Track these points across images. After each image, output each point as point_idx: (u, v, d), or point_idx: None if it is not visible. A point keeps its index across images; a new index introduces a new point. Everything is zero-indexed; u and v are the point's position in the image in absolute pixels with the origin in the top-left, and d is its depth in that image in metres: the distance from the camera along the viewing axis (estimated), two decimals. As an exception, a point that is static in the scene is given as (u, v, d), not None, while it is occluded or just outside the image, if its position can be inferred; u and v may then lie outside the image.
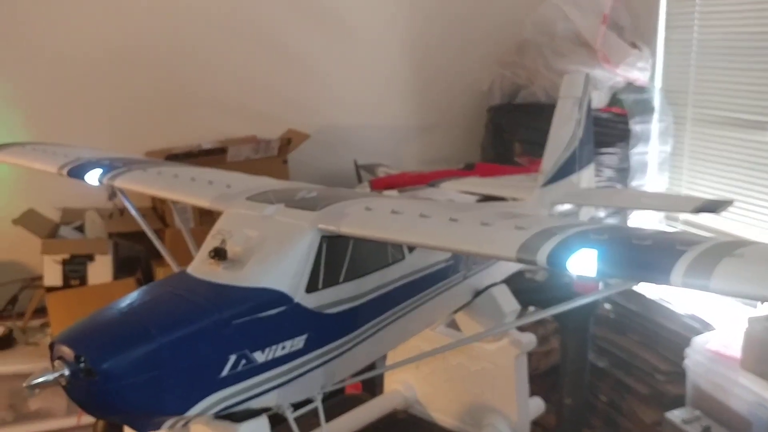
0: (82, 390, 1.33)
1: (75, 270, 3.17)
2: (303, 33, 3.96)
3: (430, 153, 4.33)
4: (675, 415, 2.84)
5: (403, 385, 2.43)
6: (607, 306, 3.54)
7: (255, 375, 1.49)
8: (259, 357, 1.48)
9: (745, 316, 2.71)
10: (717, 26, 3.68)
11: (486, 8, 4.25)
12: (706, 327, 3.13)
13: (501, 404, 2.20)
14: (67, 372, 1.31)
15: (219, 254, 1.51)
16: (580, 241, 1.28)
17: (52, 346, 1.35)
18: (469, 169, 3.41)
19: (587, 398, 3.33)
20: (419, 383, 2.41)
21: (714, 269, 1.13)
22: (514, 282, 2.30)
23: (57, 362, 1.32)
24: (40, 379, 1.31)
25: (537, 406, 2.32)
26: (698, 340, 2.93)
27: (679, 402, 2.97)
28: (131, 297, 1.46)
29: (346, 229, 1.55)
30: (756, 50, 3.43)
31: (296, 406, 1.64)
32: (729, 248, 1.18)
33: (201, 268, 1.56)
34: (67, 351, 1.32)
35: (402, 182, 3.31)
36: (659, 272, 1.17)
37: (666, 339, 3.24)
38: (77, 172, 2.08)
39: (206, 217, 3.15)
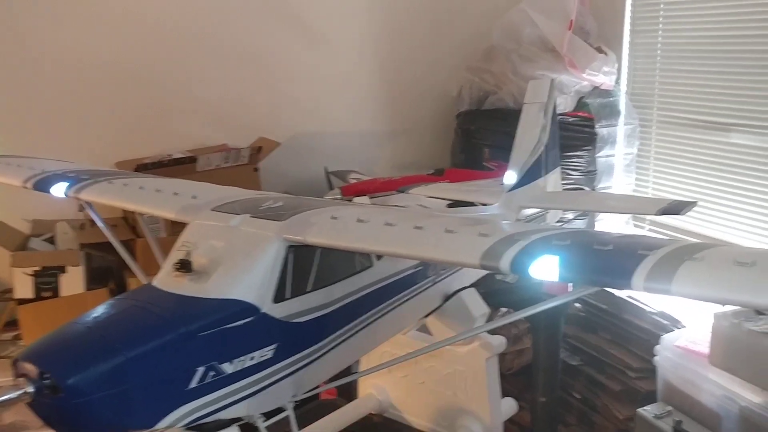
0: (48, 407, 1.33)
1: (47, 282, 3.14)
2: (273, 41, 3.97)
3: (400, 159, 4.35)
4: (647, 411, 2.88)
5: (377, 390, 2.45)
6: (578, 305, 3.58)
7: (224, 386, 1.50)
8: (228, 368, 1.49)
9: (712, 313, 2.76)
10: (681, 30, 3.75)
11: (454, 15, 4.28)
12: (675, 324, 3.19)
13: (474, 406, 2.23)
14: (31, 389, 1.30)
15: (184, 266, 1.52)
16: (543, 247, 1.31)
17: (15, 363, 1.34)
18: (438, 175, 3.44)
19: (561, 396, 3.37)
20: (393, 387, 2.43)
21: (675, 273, 1.15)
22: (485, 284, 2.34)
23: (20, 380, 1.31)
24: (3, 398, 1.29)
25: (509, 406, 2.35)
26: (668, 338, 2.98)
27: (650, 398, 3.02)
28: (96, 311, 1.46)
29: (311, 238, 1.57)
30: (719, 53, 3.50)
31: (268, 415, 1.65)
32: (690, 251, 1.20)
33: (166, 280, 1.56)
34: (30, 368, 1.31)
35: (372, 188, 3.32)
36: (620, 277, 1.21)
37: (636, 336, 3.29)
38: (43, 185, 2.08)
39: (177, 227, 3.09)
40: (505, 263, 1.31)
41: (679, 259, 1.18)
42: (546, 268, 1.28)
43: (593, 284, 1.33)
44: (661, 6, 3.81)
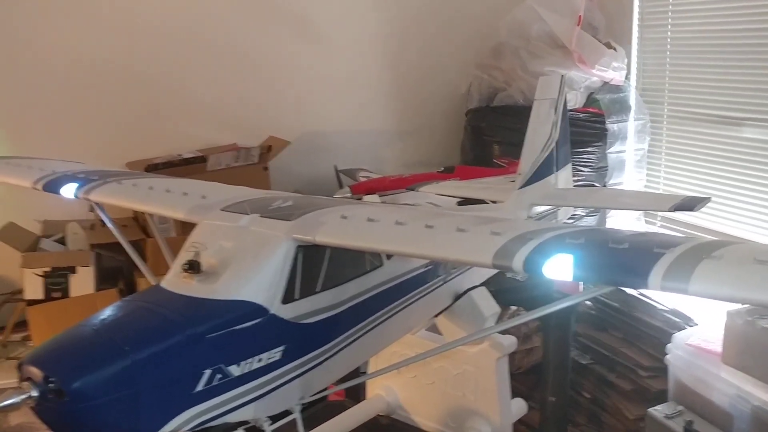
0: (52, 411, 1.32)
1: (57, 282, 3.14)
2: (282, 42, 3.96)
3: (410, 156, 4.35)
4: (658, 411, 2.85)
5: (385, 390, 2.43)
6: (589, 303, 3.55)
7: (231, 389, 1.48)
8: (235, 370, 1.47)
9: (725, 311, 2.73)
10: (690, 24, 3.72)
11: (463, 12, 4.27)
12: (688, 322, 3.16)
13: (483, 407, 2.21)
14: (35, 393, 1.29)
15: (193, 267, 1.50)
16: (556, 246, 1.29)
17: (20, 367, 1.33)
18: (448, 172, 3.42)
19: (571, 395, 3.34)
20: (401, 388, 2.41)
21: (693, 272, 1.12)
22: (496, 282, 2.32)
23: (25, 383, 1.30)
24: (7, 402, 1.28)
25: (519, 407, 2.33)
26: (679, 336, 2.95)
27: (661, 397, 2.99)
28: (103, 313, 1.44)
29: (321, 238, 1.55)
30: (729, 47, 3.47)
31: (275, 418, 1.64)
32: (707, 250, 1.17)
33: (175, 281, 1.55)
34: (35, 372, 1.30)
35: (382, 186, 3.31)
36: (637, 276, 1.18)
37: (647, 335, 3.26)
38: (52, 186, 2.07)
39: (188, 226, 3.11)
40: (518, 263, 1.29)
41: (696, 257, 1.15)
42: (560, 268, 1.26)
43: (608, 284, 1.30)
44: (670, 0, 3.78)
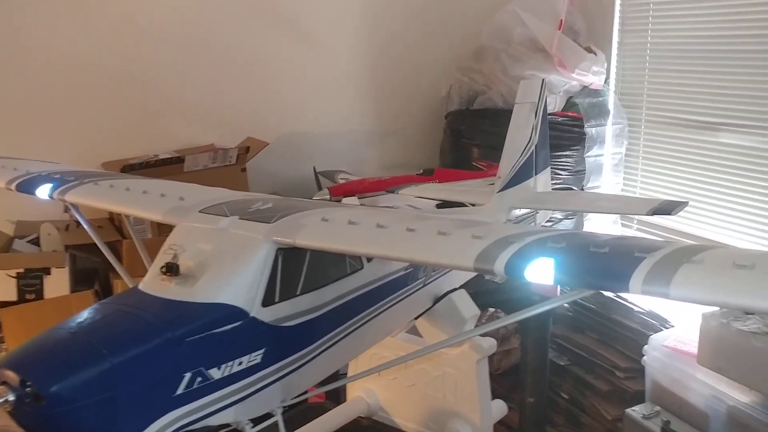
0: (30, 415, 1.30)
1: (30, 284, 3.08)
2: (261, 41, 3.93)
3: (389, 158, 4.34)
4: (635, 411, 2.90)
5: (365, 392, 2.43)
6: (566, 305, 3.58)
7: (211, 392, 1.47)
8: (215, 374, 1.46)
9: (700, 313, 2.77)
10: (670, 30, 3.76)
11: (444, 15, 4.27)
12: (664, 324, 3.20)
13: (464, 408, 2.22)
14: (11, 397, 1.27)
15: (171, 270, 1.49)
16: (538, 250, 1.29)
17: None
18: (427, 175, 3.43)
19: (549, 396, 3.37)
20: (382, 390, 2.41)
21: (673, 277, 1.12)
22: (474, 284, 2.33)
23: (1, 387, 1.28)
24: None
25: (499, 408, 2.34)
26: (656, 337, 3.00)
27: (639, 398, 3.04)
28: (80, 316, 1.42)
29: (301, 241, 1.54)
30: (708, 53, 3.52)
31: (256, 421, 1.63)
32: (688, 254, 1.18)
33: (153, 284, 1.53)
34: (11, 376, 1.28)
35: (362, 189, 3.30)
36: (617, 281, 1.18)
37: (624, 336, 3.30)
38: (27, 186, 2.04)
39: (165, 228, 3.07)
40: (499, 266, 1.29)
41: (677, 261, 1.16)
42: (541, 271, 1.26)
43: (589, 287, 1.31)
44: (651, 6, 3.82)
